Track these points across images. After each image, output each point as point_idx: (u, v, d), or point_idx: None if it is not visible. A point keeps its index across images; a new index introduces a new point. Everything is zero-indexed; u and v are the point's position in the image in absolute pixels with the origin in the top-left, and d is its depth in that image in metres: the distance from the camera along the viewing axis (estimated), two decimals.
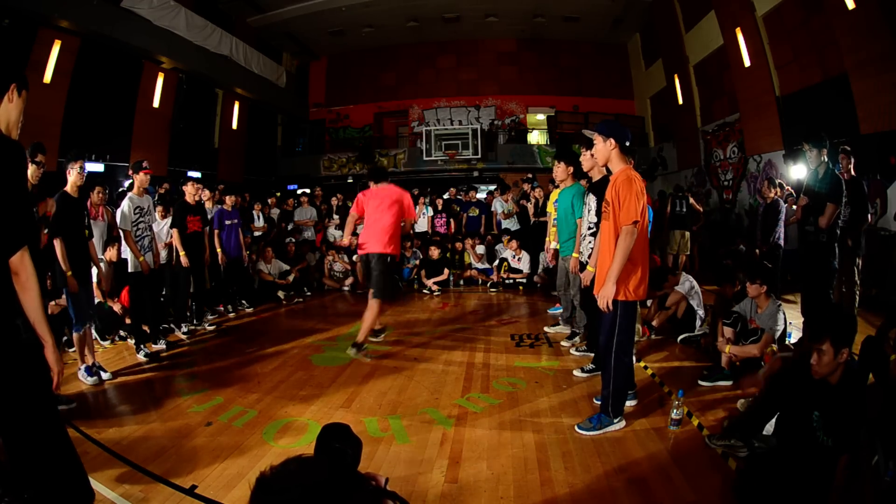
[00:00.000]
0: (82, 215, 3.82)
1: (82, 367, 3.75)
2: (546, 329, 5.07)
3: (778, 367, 2.27)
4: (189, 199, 5.20)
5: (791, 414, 2.21)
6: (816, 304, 4.00)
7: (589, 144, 3.50)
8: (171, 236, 5.12)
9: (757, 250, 6.44)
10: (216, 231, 5.93)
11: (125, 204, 4.36)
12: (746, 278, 3.66)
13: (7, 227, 1.57)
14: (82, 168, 3.74)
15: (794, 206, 5.25)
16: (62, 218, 3.59)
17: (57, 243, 3.53)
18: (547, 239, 5.22)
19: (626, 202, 2.67)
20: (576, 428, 2.89)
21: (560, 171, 4.51)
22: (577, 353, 4.23)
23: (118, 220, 4.36)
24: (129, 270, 4.46)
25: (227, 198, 6.27)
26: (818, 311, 3.96)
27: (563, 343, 4.58)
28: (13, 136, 1.67)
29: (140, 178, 4.48)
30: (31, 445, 1.57)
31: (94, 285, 4.84)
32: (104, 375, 3.89)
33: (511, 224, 8.33)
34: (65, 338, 4.32)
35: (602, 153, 2.85)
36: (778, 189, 6.46)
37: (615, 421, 2.88)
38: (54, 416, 1.68)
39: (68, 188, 3.67)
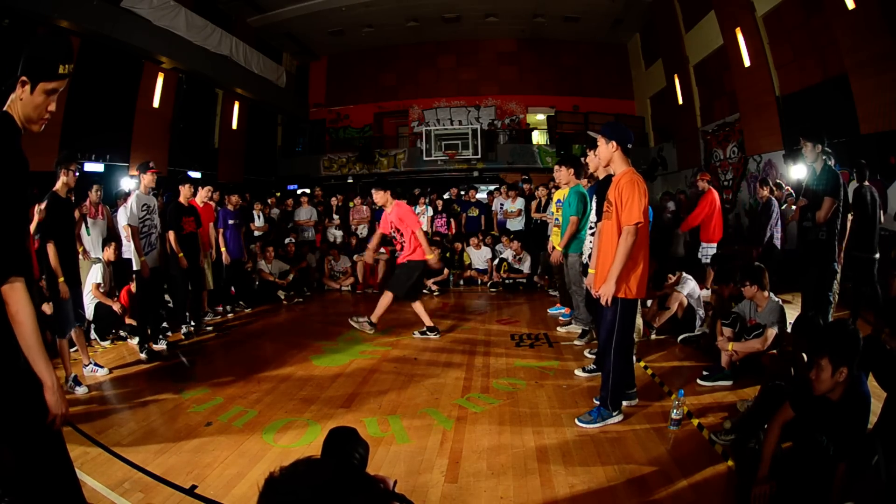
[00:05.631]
0: (72, 217, 3.79)
1: (72, 375, 3.58)
2: (558, 329, 5.07)
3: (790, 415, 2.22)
4: (183, 200, 5.19)
5: (793, 430, 2.19)
6: (815, 306, 3.99)
7: (593, 144, 3.56)
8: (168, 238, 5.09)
9: (754, 251, 6.44)
10: (220, 230, 5.95)
11: (132, 201, 4.38)
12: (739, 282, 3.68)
13: None
14: (77, 171, 3.68)
15: (794, 207, 5.23)
16: (53, 220, 3.49)
17: (50, 247, 3.45)
18: (550, 239, 5.32)
19: (630, 203, 2.74)
20: (576, 421, 2.94)
21: (562, 174, 4.81)
22: (584, 374, 3.84)
23: (124, 217, 4.35)
24: (135, 268, 4.45)
25: (231, 198, 6.28)
26: (813, 314, 3.96)
27: (575, 342, 4.57)
28: (33, 129, 1.50)
29: (147, 178, 4.52)
30: (31, 466, 1.45)
31: (94, 286, 4.86)
32: (101, 371, 3.91)
33: (515, 224, 8.33)
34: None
35: (604, 154, 2.94)
36: (773, 188, 6.45)
37: (614, 414, 2.94)
38: (56, 441, 1.53)
39: (58, 189, 3.57)
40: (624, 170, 2.86)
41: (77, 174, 3.71)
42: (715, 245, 6.59)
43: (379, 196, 4.90)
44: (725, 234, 9.50)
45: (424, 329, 4.92)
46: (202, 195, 5.62)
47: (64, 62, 1.46)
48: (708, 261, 6.48)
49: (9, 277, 1.38)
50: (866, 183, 4.75)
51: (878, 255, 4.62)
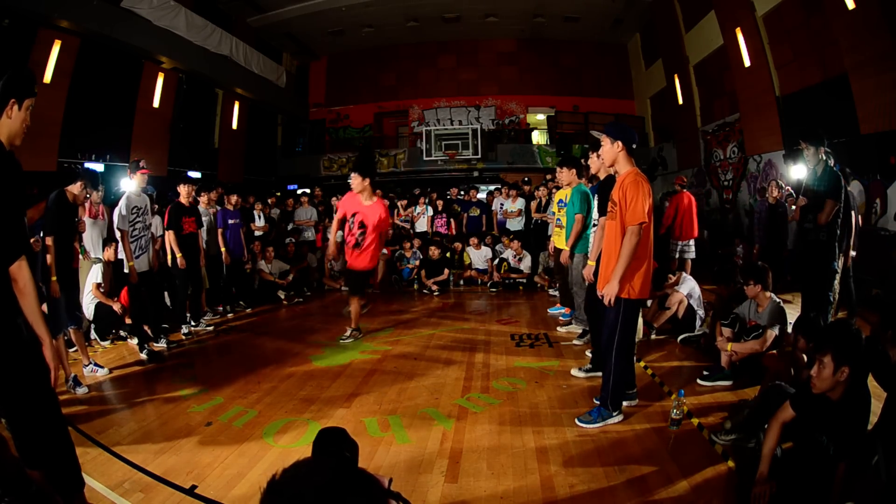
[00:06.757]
0: (74, 222, 3.80)
1: (72, 375, 3.56)
2: (559, 328, 5.07)
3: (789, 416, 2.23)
4: (183, 200, 5.18)
5: (793, 430, 2.19)
6: (815, 306, 3.99)
7: (595, 145, 3.55)
8: (167, 238, 5.08)
9: (755, 250, 6.46)
10: (220, 230, 5.95)
11: (122, 203, 4.36)
12: (743, 280, 3.68)
13: (7, 238, 1.68)
14: (87, 197, 3.75)
15: (794, 207, 5.25)
16: (57, 217, 3.50)
17: (49, 242, 3.44)
18: (551, 238, 5.33)
19: (634, 203, 2.73)
20: (576, 421, 2.94)
21: (564, 175, 4.83)
22: (582, 374, 3.83)
23: (116, 220, 4.35)
24: (125, 271, 4.45)
25: (230, 197, 6.28)
26: (814, 313, 3.97)
27: (575, 342, 4.57)
28: (17, 143, 1.77)
29: (137, 178, 4.50)
30: (33, 433, 1.71)
31: (95, 286, 4.86)
32: (100, 371, 3.90)
33: (515, 224, 8.32)
34: (66, 337, 4.30)
35: (609, 154, 2.93)
36: (778, 190, 6.47)
37: (614, 414, 2.94)
38: (54, 407, 1.80)
39: (68, 190, 3.59)
40: (628, 170, 2.85)
41: (87, 199, 3.74)
42: (691, 242, 6.82)
43: (357, 182, 4.47)
44: (724, 233, 9.56)
45: (350, 331, 4.88)
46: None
47: (35, 83, 1.85)
48: (679, 255, 6.81)
49: (17, 258, 1.70)
50: (848, 187, 4.81)
51: (853, 254, 4.66)
